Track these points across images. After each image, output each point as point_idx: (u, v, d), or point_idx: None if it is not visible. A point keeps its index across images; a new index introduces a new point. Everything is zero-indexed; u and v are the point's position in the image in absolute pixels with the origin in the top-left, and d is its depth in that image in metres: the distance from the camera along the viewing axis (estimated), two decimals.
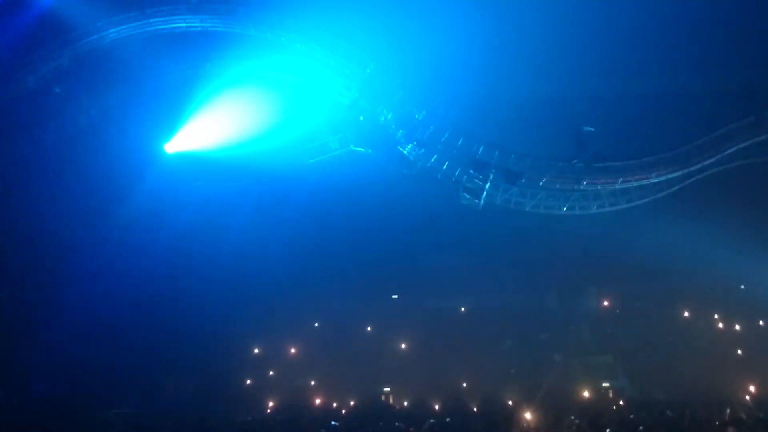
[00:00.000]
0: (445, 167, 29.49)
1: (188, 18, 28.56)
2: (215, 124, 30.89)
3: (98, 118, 30.19)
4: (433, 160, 29.41)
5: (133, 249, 32.69)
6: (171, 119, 31.05)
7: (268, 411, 34.76)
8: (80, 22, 28.12)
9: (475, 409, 32.92)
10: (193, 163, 31.71)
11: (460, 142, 29.21)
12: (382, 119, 28.97)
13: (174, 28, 28.73)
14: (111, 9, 28.19)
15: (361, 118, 29.45)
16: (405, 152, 29.25)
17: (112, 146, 30.78)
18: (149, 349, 33.18)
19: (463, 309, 37.37)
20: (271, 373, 37.07)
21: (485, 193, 29.22)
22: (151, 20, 28.40)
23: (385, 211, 33.57)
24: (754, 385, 32.28)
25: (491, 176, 28.89)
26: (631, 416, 30.17)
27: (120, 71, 29.75)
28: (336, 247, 35.30)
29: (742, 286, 34.24)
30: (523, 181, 29.09)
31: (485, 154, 29.06)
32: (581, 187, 29.61)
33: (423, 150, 29.27)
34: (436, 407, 33.49)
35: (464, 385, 34.88)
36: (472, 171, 28.91)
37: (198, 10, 28.52)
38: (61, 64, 28.64)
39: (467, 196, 29.44)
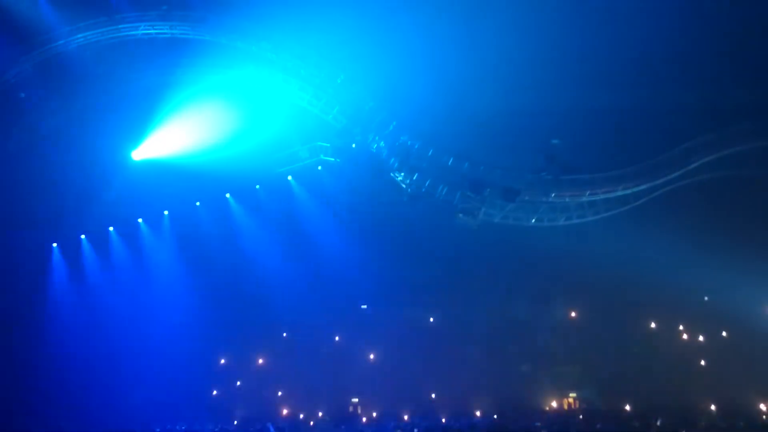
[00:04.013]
0: (431, 187, 29.76)
1: (157, 24, 28.33)
2: (183, 132, 30.60)
3: (63, 125, 29.74)
4: (415, 178, 29.61)
5: (99, 257, 32.26)
6: (139, 126, 30.68)
7: (236, 422, 34.40)
8: (46, 27, 27.69)
9: (444, 420, 32.93)
10: (160, 170, 31.33)
11: (430, 153, 29.41)
12: (375, 147, 29.20)
13: (143, 34, 28.47)
14: (78, 14, 27.81)
15: (353, 145, 29.61)
16: (399, 179, 29.55)
17: (77, 153, 30.33)
18: (114, 360, 32.69)
19: (431, 320, 37.36)
20: (238, 383, 36.68)
21: (481, 212, 29.54)
22: (120, 26, 28.14)
23: (354, 221, 33.58)
24: (717, 394, 32.75)
25: (487, 195, 29.20)
26: (598, 426, 30.40)
27: (87, 77, 29.34)
28: (305, 256, 35.14)
29: (706, 298, 34.75)
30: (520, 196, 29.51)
31: (456, 165, 29.36)
32: (549, 200, 29.95)
33: (416, 174, 29.52)
34: (405, 418, 33.46)
35: (433, 396, 34.87)
36: (469, 192, 29.16)
37: (168, 17, 28.31)
38: (26, 68, 28.17)
39: (462, 216, 29.67)
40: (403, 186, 29.90)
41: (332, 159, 30.77)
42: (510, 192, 29.11)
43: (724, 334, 35.13)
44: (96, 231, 33.37)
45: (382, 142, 29.24)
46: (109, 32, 28.11)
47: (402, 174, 29.60)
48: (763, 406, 31.81)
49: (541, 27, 28.11)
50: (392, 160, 29.58)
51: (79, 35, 28.04)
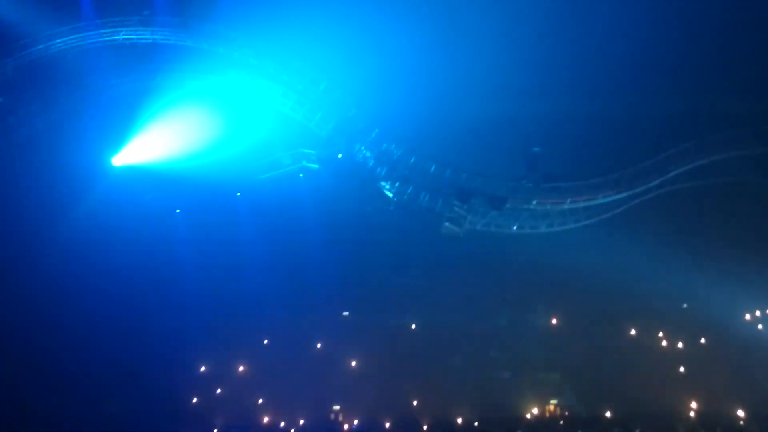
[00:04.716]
0: (413, 194, 29.76)
1: (139, 30, 28.17)
2: (165, 138, 30.39)
3: (43, 130, 29.39)
4: (397, 186, 29.65)
5: (78, 265, 31.88)
6: (120, 132, 30.42)
7: (215, 431, 34.11)
8: (26, 31, 27.41)
9: (425, 428, 32.89)
10: (141, 176, 31.08)
11: (412, 160, 29.50)
12: (360, 156, 29.20)
13: (124, 39, 28.29)
14: (59, 18, 27.58)
15: (340, 155, 29.55)
16: (386, 189, 29.55)
17: (57, 159, 29.98)
18: (89, 367, 32.28)
19: (413, 327, 37.36)
20: (218, 391, 36.36)
21: (468, 221, 29.59)
22: (101, 31, 27.94)
23: (334, 227, 33.52)
24: (697, 401, 33.05)
25: (474, 204, 29.26)
26: None
27: (67, 82, 29.07)
28: (285, 261, 35.00)
29: (685, 305, 35.11)
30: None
31: (438, 172, 29.44)
32: (531, 207, 30.11)
33: (399, 183, 29.53)
34: (386, 425, 33.37)
35: (414, 403, 34.81)
36: (455, 201, 29.19)
37: (149, 22, 28.18)
38: (5, 73, 27.83)
39: (448, 225, 29.70)
40: (390, 195, 29.87)
41: (315, 166, 30.73)
42: (496, 200, 29.24)
43: (702, 340, 35.51)
44: (72, 237, 32.93)
45: (368, 152, 29.27)
46: (90, 37, 27.89)
47: (388, 183, 29.60)
48: (741, 413, 32.14)
49: (522, 35, 28.37)
50: (378, 169, 29.60)
51: (59, 40, 27.79)
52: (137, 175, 30.97)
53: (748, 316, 34.90)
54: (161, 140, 30.40)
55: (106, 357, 32.58)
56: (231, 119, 30.49)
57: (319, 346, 37.22)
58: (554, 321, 36.99)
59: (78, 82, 29.24)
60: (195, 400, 35.78)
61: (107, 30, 28.01)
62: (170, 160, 30.67)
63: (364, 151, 29.34)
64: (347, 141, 29.22)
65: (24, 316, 31.23)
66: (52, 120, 29.47)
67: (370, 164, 29.50)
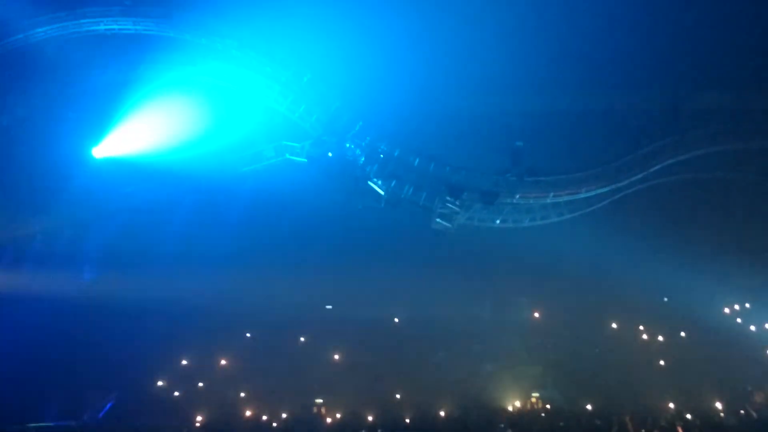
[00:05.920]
0: (396, 187, 29.71)
1: (120, 20, 27.84)
2: (147, 129, 30.09)
3: (22, 120, 29.00)
4: (393, 185, 29.59)
5: (58, 257, 31.57)
6: (100, 123, 30.09)
7: (197, 424, 33.92)
8: (5, 20, 27.01)
9: (408, 421, 32.96)
10: (122, 168, 30.79)
11: (396, 153, 29.46)
12: (350, 154, 29.10)
13: (106, 29, 27.96)
14: (39, 7, 27.21)
15: (330, 154, 29.35)
16: (376, 186, 29.43)
17: (37, 149, 29.64)
18: (71, 360, 32.01)
19: (396, 320, 37.41)
20: (200, 384, 36.20)
21: (458, 216, 29.58)
22: (82, 21, 27.56)
23: (318, 220, 33.44)
24: (676, 393, 33.42)
25: (465, 199, 29.24)
26: (561, 425, 30.79)
27: (47, 72, 28.70)
28: (268, 255, 34.88)
29: (666, 299, 35.48)
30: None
31: (422, 166, 29.41)
32: (514, 201, 30.20)
33: (387, 179, 29.44)
34: (369, 419, 33.40)
35: (397, 396, 34.88)
36: (447, 197, 29.15)
37: (131, 13, 27.85)
38: None
39: (439, 221, 29.67)
40: (381, 192, 29.73)
41: (298, 159, 30.55)
42: (488, 195, 29.25)
43: (682, 334, 35.91)
44: (52, 228, 32.64)
45: (358, 150, 29.19)
46: (71, 27, 27.52)
47: (379, 181, 29.52)
48: (719, 405, 32.55)
49: (506, 30, 28.44)
50: (368, 167, 29.52)
51: (40, 29, 27.41)
52: (118, 166, 30.66)
53: (727, 310, 35.34)
54: (142, 132, 30.10)
55: (86, 349, 32.33)
56: (213, 111, 30.23)
57: (302, 339, 37.21)
58: (536, 314, 37.23)
59: (58, 73, 28.85)
60: (177, 393, 35.62)
61: (88, 20, 27.62)
62: (151, 152, 30.36)
63: (353, 148, 29.21)
64: (332, 134, 29.08)
65: (2, 309, 30.93)
66: (31, 111, 29.10)
67: (361, 160, 29.37)
